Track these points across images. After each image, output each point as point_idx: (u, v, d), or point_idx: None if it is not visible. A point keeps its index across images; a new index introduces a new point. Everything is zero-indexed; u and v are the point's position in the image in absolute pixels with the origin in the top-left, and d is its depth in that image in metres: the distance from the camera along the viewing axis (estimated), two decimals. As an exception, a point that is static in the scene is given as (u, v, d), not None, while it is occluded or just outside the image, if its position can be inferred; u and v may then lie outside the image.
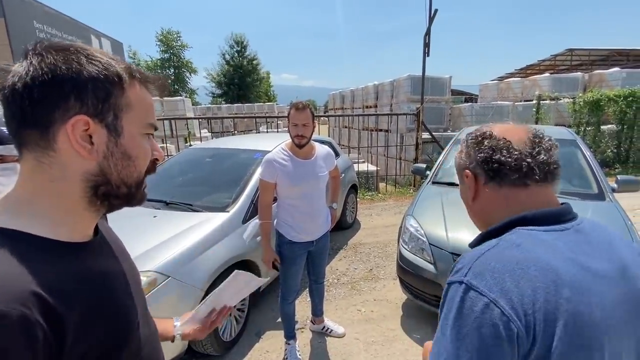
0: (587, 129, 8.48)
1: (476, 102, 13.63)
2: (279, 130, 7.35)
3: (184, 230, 2.26)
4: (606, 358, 0.54)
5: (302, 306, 2.83)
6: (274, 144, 3.05)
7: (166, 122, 6.91)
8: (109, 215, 0.67)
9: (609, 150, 8.47)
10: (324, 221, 2.17)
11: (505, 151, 0.66)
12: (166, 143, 7.38)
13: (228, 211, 2.56)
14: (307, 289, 2.52)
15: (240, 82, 32.30)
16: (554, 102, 9.01)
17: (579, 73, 10.62)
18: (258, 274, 2.63)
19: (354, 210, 4.89)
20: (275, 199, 2.09)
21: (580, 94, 8.77)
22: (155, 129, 0.57)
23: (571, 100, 8.68)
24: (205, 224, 2.37)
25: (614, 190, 2.82)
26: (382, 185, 7.04)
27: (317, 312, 2.52)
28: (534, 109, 8.88)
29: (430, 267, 2.41)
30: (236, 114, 19.01)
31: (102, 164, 0.50)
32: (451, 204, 2.74)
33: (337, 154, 4.40)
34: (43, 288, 0.42)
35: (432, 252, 2.44)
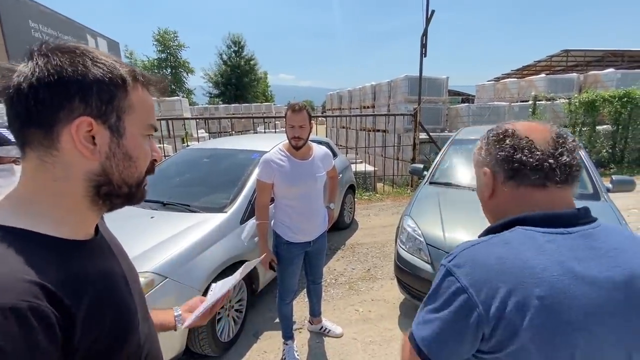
0: (583, 129, 8.55)
1: (473, 102, 13.70)
2: (277, 130, 7.34)
3: (181, 231, 2.25)
4: (577, 358, 0.56)
5: (300, 306, 2.83)
6: (271, 144, 3.05)
7: (163, 122, 6.89)
8: (106, 216, 0.67)
9: (604, 151, 8.55)
10: (321, 222, 2.17)
11: (527, 151, 0.64)
12: (163, 143, 7.35)
13: (226, 212, 2.56)
14: (305, 289, 2.53)
15: (238, 82, 32.21)
16: (550, 102, 9.09)
17: (575, 74, 10.72)
18: (256, 275, 2.63)
19: (352, 211, 4.90)
20: (272, 200, 2.10)
21: (576, 95, 8.86)
22: (155, 129, 0.58)
23: (567, 100, 8.76)
24: (203, 224, 2.37)
25: (608, 190, 2.85)
26: (379, 185, 7.06)
27: (315, 312, 2.53)
28: (530, 110, 8.95)
29: (428, 267, 2.42)
30: (233, 114, 18.97)
31: (104, 164, 0.51)
32: (448, 204, 2.75)
33: (334, 155, 4.41)
34: (51, 283, 0.43)
35: (429, 252, 2.45)
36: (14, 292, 0.39)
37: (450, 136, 4.30)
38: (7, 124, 1.19)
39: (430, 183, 3.34)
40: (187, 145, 5.35)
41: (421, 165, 3.90)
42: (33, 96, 0.45)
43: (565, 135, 0.67)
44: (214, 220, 2.45)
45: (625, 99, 8.08)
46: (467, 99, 22.01)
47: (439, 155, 3.79)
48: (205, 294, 2.03)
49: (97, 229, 0.58)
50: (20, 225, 0.46)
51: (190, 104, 15.15)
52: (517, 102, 10.19)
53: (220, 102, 29.66)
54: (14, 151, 1.14)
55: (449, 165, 3.58)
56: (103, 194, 0.52)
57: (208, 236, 2.29)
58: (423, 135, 7.11)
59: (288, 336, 2.30)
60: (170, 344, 1.93)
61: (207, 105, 25.62)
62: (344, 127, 11.82)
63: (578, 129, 8.53)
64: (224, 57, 33.03)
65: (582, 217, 0.64)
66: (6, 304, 0.38)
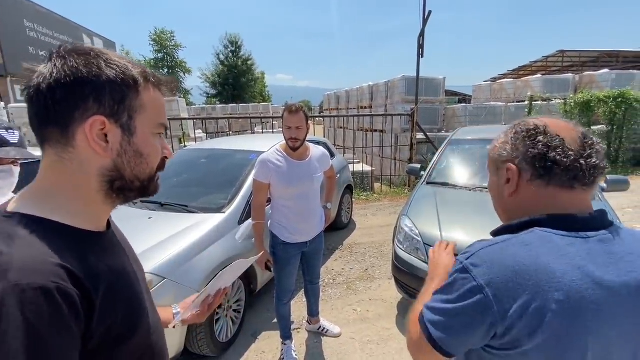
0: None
1: (470, 102, 13.75)
2: (274, 130, 7.34)
3: (179, 232, 2.25)
4: (589, 358, 0.57)
5: (298, 306, 2.84)
6: (269, 144, 3.05)
7: (160, 122, 6.86)
8: None
9: (600, 150, 8.62)
10: (318, 222, 2.18)
11: (560, 150, 0.63)
12: (160, 144, 7.32)
13: (224, 212, 2.56)
14: (303, 290, 2.53)
15: (235, 82, 32.13)
16: (545, 102, 9.15)
17: (570, 74, 10.80)
18: (254, 275, 2.63)
19: (350, 211, 4.91)
20: (269, 200, 2.10)
21: (572, 95, 8.92)
22: (166, 128, 0.60)
23: (562, 101, 8.83)
24: (201, 225, 2.37)
25: (603, 189, 2.87)
26: (377, 185, 7.08)
27: (313, 312, 2.53)
28: (526, 110, 9.01)
29: (425, 267, 2.43)
30: (231, 114, 18.93)
31: (116, 161, 0.53)
32: (445, 204, 2.76)
33: (332, 155, 4.41)
34: (73, 266, 0.45)
35: (426, 251, 2.46)
36: (43, 273, 0.42)
37: (448, 136, 4.32)
38: (6, 125, 1.19)
39: (428, 183, 3.36)
40: (185, 146, 5.34)
41: (418, 165, 3.91)
42: (51, 96, 0.48)
43: (591, 137, 0.66)
44: (212, 220, 2.45)
45: (620, 99, 8.16)
46: (464, 99, 22.11)
47: (436, 156, 3.81)
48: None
49: (108, 224, 0.61)
50: (41, 214, 0.49)
51: (187, 105, 15.08)
52: (513, 102, 10.25)
53: (217, 103, 29.59)
54: (13, 152, 1.14)
55: (446, 165, 3.60)
56: (116, 189, 0.55)
57: (206, 237, 2.29)
58: (420, 136, 7.14)
59: (286, 336, 2.31)
60: (169, 344, 1.93)
61: (204, 106, 25.54)
62: (341, 127, 11.83)
63: (574, 129, 8.59)
64: (221, 57, 32.94)
65: (600, 221, 0.64)
66: (37, 284, 0.41)
